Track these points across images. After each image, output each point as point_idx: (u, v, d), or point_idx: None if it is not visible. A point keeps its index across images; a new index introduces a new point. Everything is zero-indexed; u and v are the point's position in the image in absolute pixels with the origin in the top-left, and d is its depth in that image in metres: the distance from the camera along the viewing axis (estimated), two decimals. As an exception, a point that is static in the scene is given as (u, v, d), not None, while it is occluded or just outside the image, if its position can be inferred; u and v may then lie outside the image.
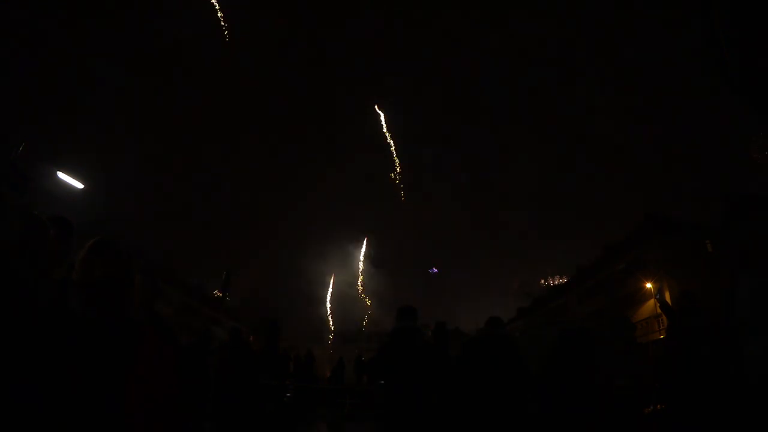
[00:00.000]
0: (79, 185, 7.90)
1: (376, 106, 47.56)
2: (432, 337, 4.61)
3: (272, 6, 51.26)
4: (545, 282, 38.44)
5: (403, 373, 3.36)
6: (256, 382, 4.45)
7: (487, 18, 52.82)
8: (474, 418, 3.23)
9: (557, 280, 35.84)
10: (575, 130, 51.33)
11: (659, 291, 17.42)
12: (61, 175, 7.73)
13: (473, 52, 55.24)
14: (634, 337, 7.58)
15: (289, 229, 52.45)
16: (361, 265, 46.12)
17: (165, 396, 1.29)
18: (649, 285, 18.35)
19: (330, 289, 43.94)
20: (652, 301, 17.49)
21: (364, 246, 46.98)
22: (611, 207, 42.43)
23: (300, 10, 55.26)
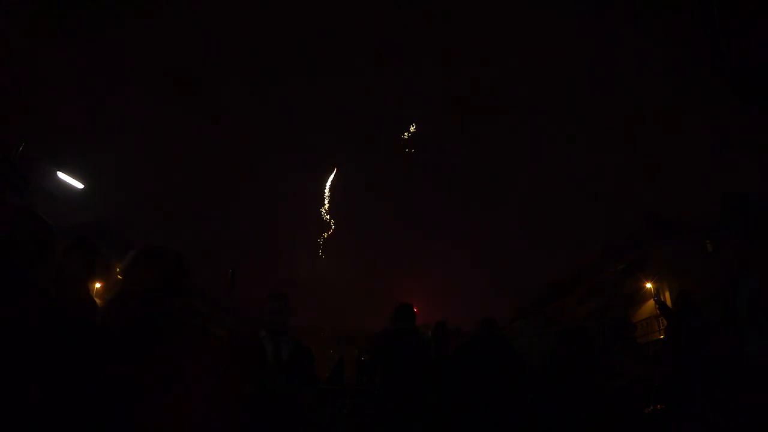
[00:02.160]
0: (79, 185, 7.88)
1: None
2: (432, 337, 4.60)
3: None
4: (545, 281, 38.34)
5: (402, 374, 3.35)
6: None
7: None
8: (472, 419, 3.23)
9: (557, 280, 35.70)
10: (575, 130, 51.35)
11: (657, 292, 17.41)
12: (61, 175, 7.71)
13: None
14: (634, 337, 7.59)
15: (289, 227, 52.44)
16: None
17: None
18: (649, 285, 18.33)
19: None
20: (652, 301, 17.47)
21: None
22: (611, 207, 42.41)
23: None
